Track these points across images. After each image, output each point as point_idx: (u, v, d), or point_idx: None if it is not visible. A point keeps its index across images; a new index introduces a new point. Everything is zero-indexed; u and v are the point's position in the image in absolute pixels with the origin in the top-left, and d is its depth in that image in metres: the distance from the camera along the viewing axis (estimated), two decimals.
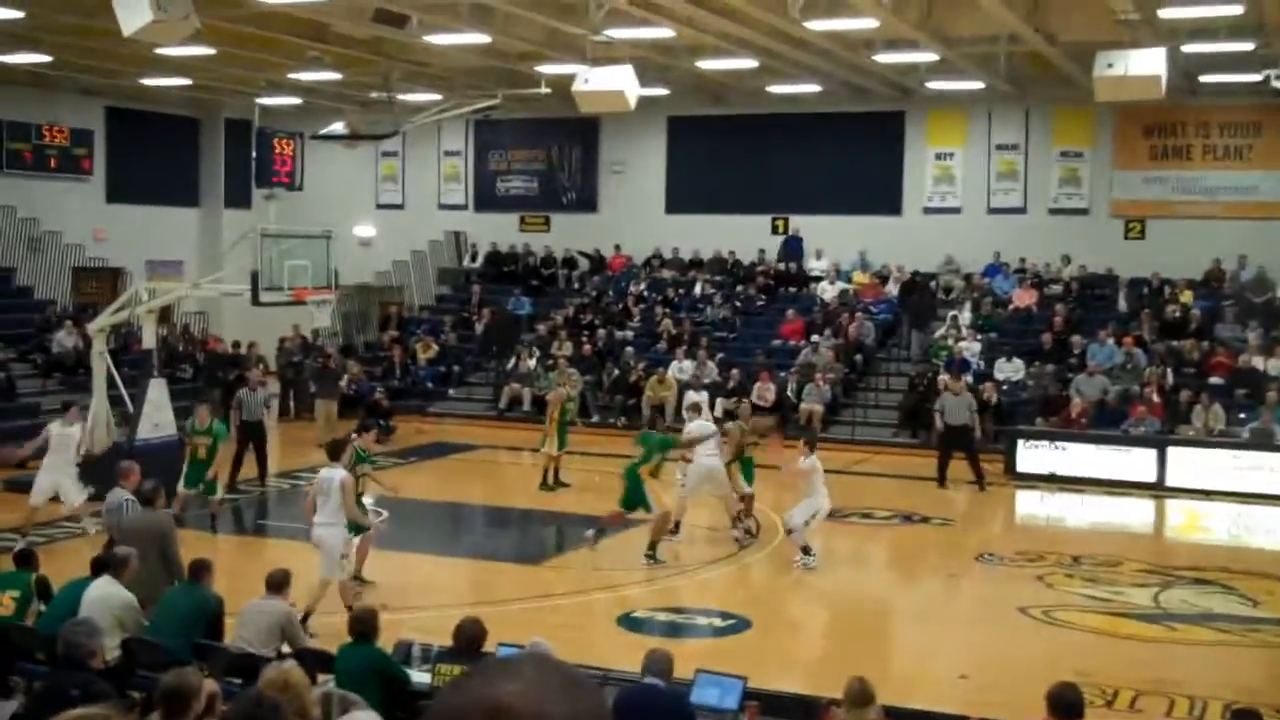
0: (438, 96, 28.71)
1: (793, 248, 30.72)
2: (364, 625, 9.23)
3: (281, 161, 26.98)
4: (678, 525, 17.02)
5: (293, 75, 27.83)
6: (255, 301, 19.93)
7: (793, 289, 30.12)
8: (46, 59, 25.75)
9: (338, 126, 28.06)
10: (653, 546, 15.99)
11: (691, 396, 22.86)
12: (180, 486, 17.01)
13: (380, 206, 35.07)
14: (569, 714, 1.76)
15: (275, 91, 29.66)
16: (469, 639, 8.98)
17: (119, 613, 9.63)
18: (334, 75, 27.64)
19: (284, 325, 28.47)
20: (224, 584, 11.42)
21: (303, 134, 27.68)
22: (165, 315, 25.82)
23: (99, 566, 10.09)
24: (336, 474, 13.26)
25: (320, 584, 12.94)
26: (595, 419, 27.05)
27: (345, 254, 29.75)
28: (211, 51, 24.15)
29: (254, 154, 23.83)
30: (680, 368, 27.21)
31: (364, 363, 29.34)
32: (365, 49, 25.38)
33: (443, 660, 9.12)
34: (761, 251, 30.96)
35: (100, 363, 20.57)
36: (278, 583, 10.24)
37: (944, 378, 23.83)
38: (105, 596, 9.67)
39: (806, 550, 15.76)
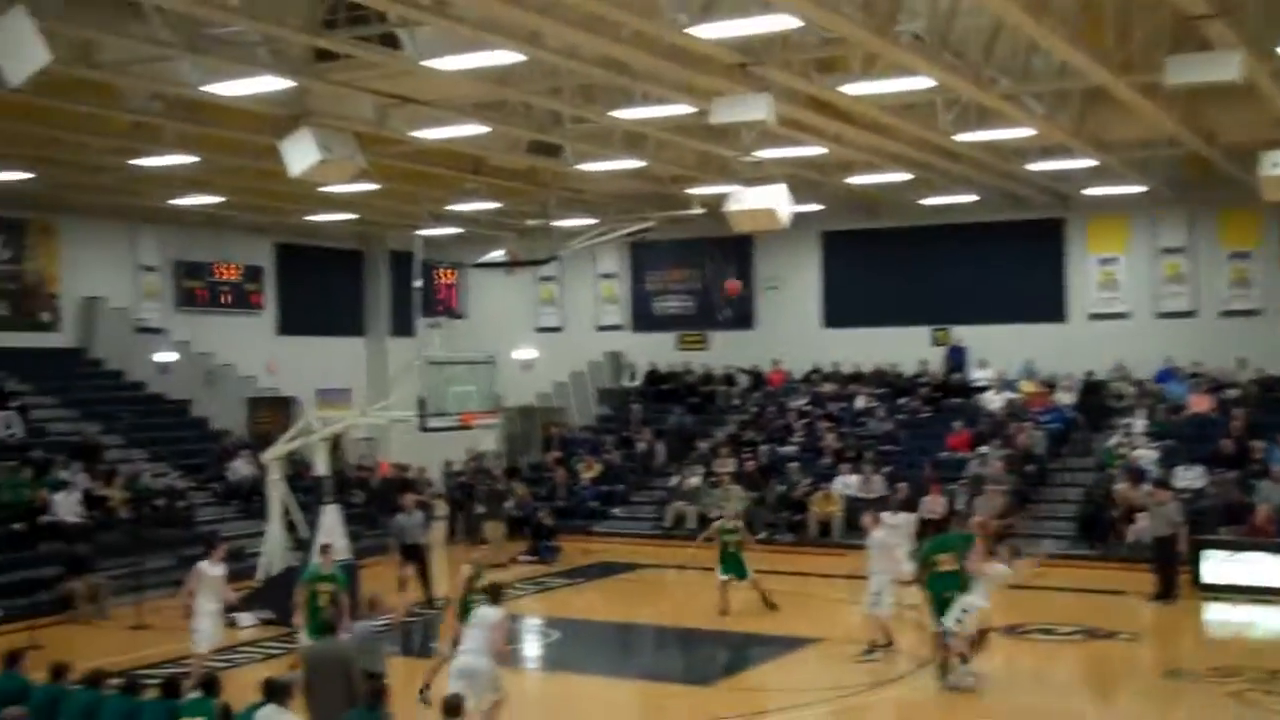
0: (593, 220, 29.19)
1: (956, 358, 30.31)
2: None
3: (444, 290, 27.73)
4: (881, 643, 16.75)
5: (452, 206, 28.56)
6: (423, 428, 20.24)
7: (957, 399, 29.63)
8: (219, 199, 26.84)
9: (497, 254, 28.65)
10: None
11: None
12: (305, 637, 15.64)
13: (540, 329, 35.56)
14: None
15: (436, 222, 30.46)
16: None
17: None
18: (492, 205, 28.30)
19: (449, 450, 28.88)
20: (402, 710, 11.45)
21: (463, 263, 28.41)
22: (335, 443, 26.37)
23: (270, 691, 10.14)
24: (493, 613, 13.12)
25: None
26: (762, 535, 26.75)
27: (507, 377, 30.20)
28: (374, 187, 24.91)
29: (418, 284, 24.38)
30: (845, 482, 26.86)
31: (528, 483, 29.56)
32: (521, 179, 26.00)
33: None
34: (923, 362, 30.60)
35: (275, 490, 21.09)
36: (453, 708, 10.23)
37: (1146, 487, 23.04)
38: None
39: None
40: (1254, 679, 15.37)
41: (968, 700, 15.07)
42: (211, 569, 16.17)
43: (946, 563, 15.11)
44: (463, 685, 12.31)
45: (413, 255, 22.86)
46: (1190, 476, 24.58)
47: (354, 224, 32.07)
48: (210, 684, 10.77)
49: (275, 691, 10.08)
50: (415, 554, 21.32)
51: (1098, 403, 28.16)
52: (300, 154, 17.47)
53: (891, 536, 18.08)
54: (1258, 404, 26.53)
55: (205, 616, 15.88)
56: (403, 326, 34.29)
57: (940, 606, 14.93)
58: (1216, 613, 20.59)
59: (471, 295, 33.37)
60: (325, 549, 16.77)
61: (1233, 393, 27.02)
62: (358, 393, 33.18)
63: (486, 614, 13.06)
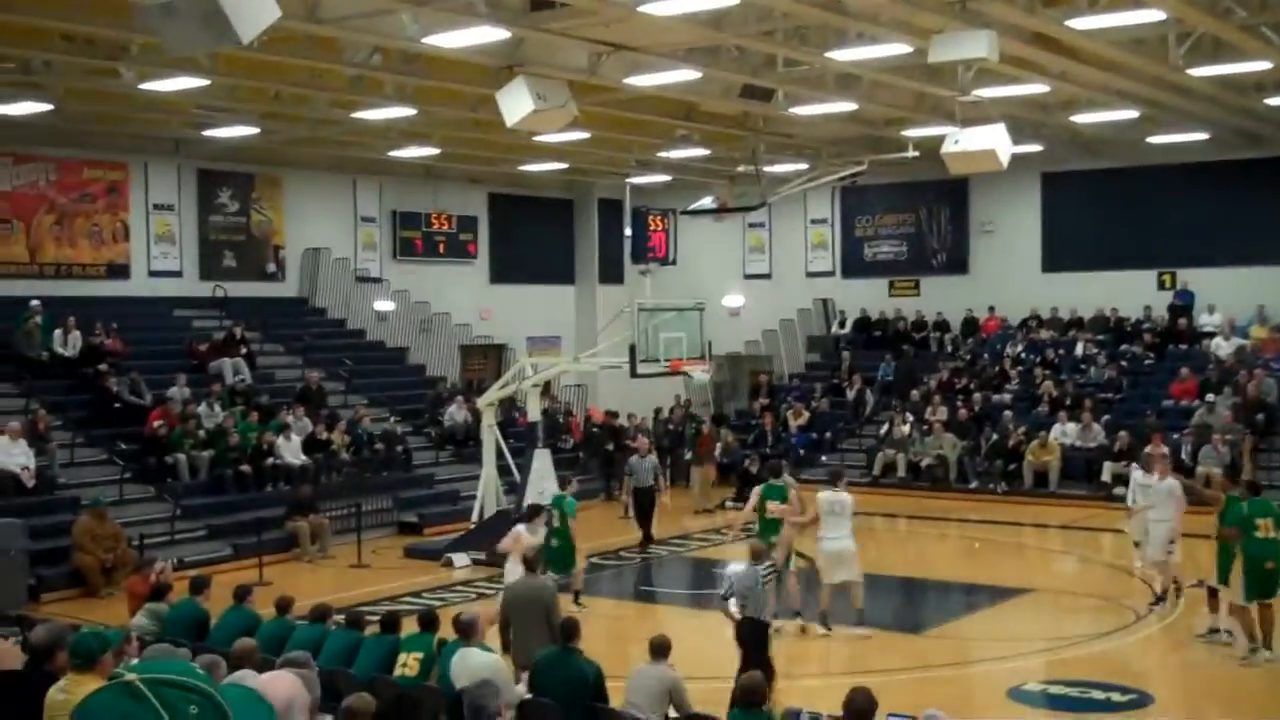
0: (803, 165, 28.86)
1: (1183, 301, 29.11)
2: (752, 694, 9.13)
3: (654, 237, 27.77)
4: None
5: (662, 153, 28.59)
6: (634, 374, 20.39)
7: (1183, 346, 28.50)
8: (435, 151, 27.40)
9: (706, 201, 28.57)
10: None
11: None
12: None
13: (748, 276, 35.44)
14: None
15: (645, 170, 30.55)
16: (859, 710, 8.71)
17: (479, 673, 9.79)
18: (702, 151, 28.22)
19: (658, 397, 29.05)
20: (606, 648, 11.59)
21: (673, 210, 28.42)
22: (547, 389, 26.81)
23: (458, 630, 10.34)
24: (844, 496, 15.28)
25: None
26: (974, 485, 26.31)
27: (715, 324, 30.16)
28: (585, 136, 25.07)
29: (628, 232, 24.52)
30: (1064, 430, 26.15)
31: (736, 431, 29.56)
32: (732, 124, 25.81)
33: None
34: (1147, 308, 29.49)
35: (489, 435, 21.56)
36: (661, 648, 10.28)
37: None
38: (463, 657, 9.90)
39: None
40: None
41: (1198, 652, 14.59)
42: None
43: (1266, 528, 13.89)
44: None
45: (622, 203, 22.98)
46: None
47: (565, 173, 32.39)
48: (430, 620, 11.04)
49: (461, 630, 10.29)
50: (646, 496, 21.82)
51: None
52: (515, 104, 17.66)
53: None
54: None
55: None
56: (612, 274, 34.70)
57: (1259, 578, 13.83)
58: None
59: (681, 242, 33.29)
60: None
61: None
62: (568, 340, 33.66)
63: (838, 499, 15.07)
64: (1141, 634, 15.67)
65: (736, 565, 12.85)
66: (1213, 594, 14.94)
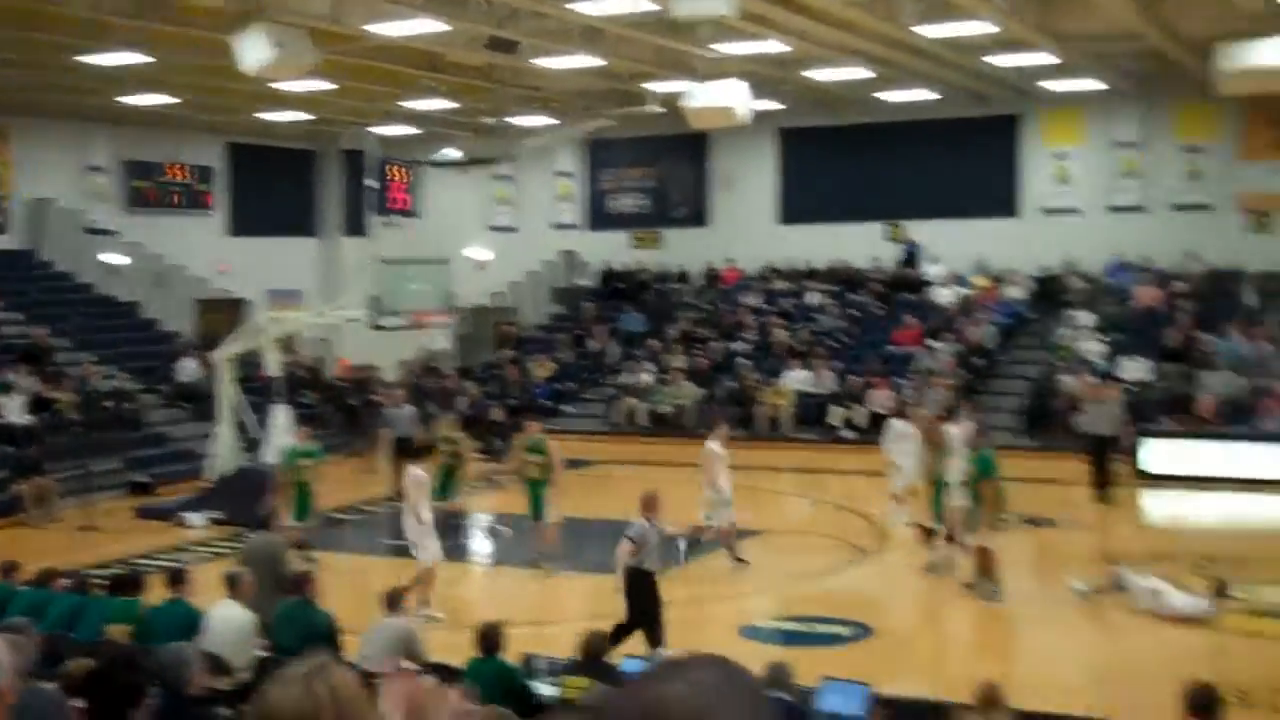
0: (549, 119, 28.96)
1: (910, 252, 30.42)
2: (491, 639, 9.31)
3: (398, 189, 27.54)
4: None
5: (407, 104, 28.28)
6: (375, 327, 20.27)
7: (909, 295, 29.83)
8: (170, 99, 26.47)
9: (452, 153, 28.44)
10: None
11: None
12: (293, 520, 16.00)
13: (494, 229, 35.41)
14: (733, 718, 1.72)
15: (390, 121, 30.18)
16: (594, 652, 9.01)
17: (241, 633, 9.80)
18: (448, 103, 28.03)
19: (403, 349, 28.90)
20: (348, 602, 11.61)
21: (418, 161, 28.20)
22: (287, 343, 26.33)
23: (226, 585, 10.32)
24: None
25: None
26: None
27: (461, 277, 30.15)
28: (328, 85, 24.62)
29: (371, 183, 24.24)
30: (795, 377, 27.10)
31: (481, 383, 29.63)
32: (478, 76, 25.71)
33: (568, 673, 9.14)
34: (876, 259, 30.72)
35: (227, 391, 21.10)
36: (394, 600, 10.38)
37: (1092, 380, 23.34)
38: (227, 618, 9.87)
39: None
40: (1190, 564, 15.71)
41: (918, 585, 15.42)
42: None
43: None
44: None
45: (366, 154, 22.70)
46: (1136, 368, 24.93)
47: (307, 123, 31.69)
48: (129, 584, 10.90)
49: (228, 585, 10.23)
50: (405, 447, 21.51)
51: (1047, 297, 28.41)
52: (253, 50, 17.28)
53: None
54: (1205, 297, 26.83)
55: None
56: (356, 226, 34.03)
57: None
58: (1157, 501, 21.01)
59: (425, 195, 33.09)
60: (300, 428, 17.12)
61: (1180, 286, 27.28)
62: (310, 293, 33.07)
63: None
64: (866, 570, 16.47)
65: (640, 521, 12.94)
66: (928, 532, 15.83)
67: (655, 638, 12.23)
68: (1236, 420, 22.68)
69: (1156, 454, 21.60)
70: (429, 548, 14.36)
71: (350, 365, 30.01)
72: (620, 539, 12.80)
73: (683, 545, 16.50)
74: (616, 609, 14.14)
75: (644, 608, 12.35)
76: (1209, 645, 12.68)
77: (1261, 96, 23.21)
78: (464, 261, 32.88)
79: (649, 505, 12.99)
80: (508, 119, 29.28)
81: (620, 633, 12.05)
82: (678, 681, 1.74)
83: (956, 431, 15.77)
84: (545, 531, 16.42)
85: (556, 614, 14.43)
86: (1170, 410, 23.27)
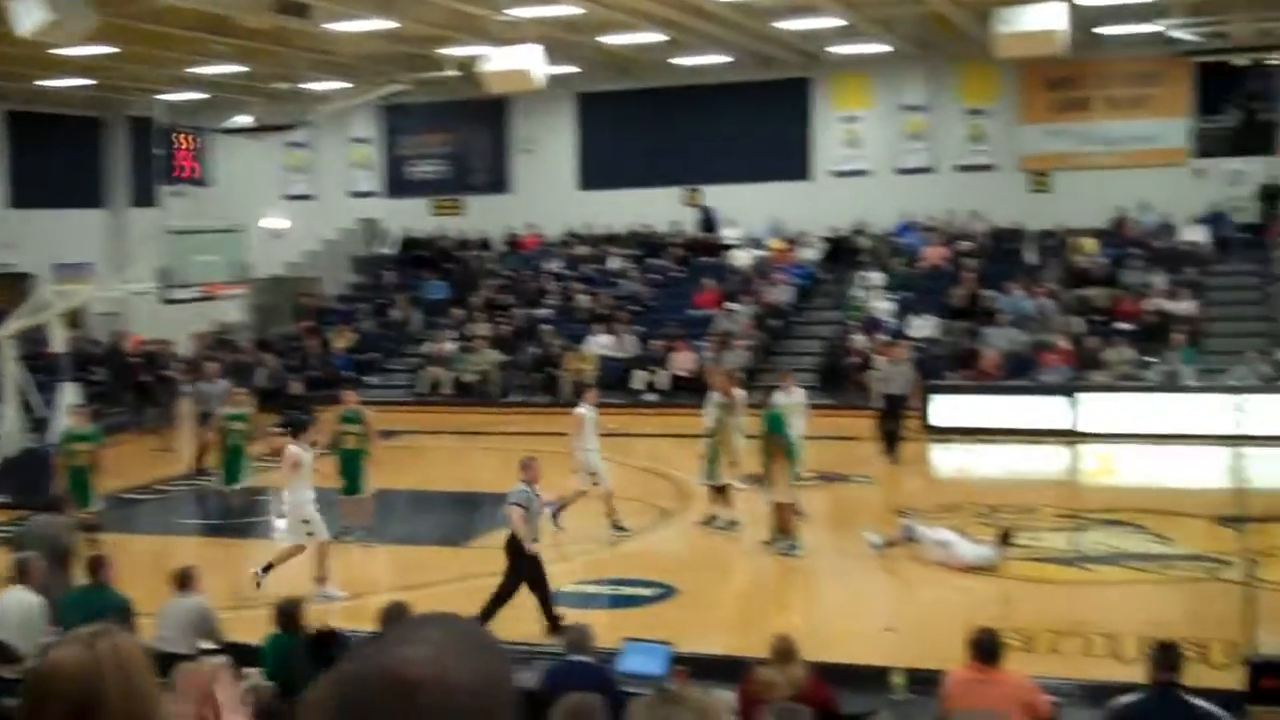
0: (344, 84, 28.52)
1: (707, 218, 30.87)
2: (289, 615, 9.27)
3: (187, 157, 26.78)
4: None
5: (195, 70, 27.56)
6: (166, 300, 19.78)
7: (708, 258, 30.29)
8: None
9: (243, 119, 27.81)
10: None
11: None
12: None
13: (290, 197, 34.71)
14: (472, 678, 1.72)
15: (178, 87, 29.34)
16: (393, 621, 9.02)
17: (30, 619, 9.58)
18: (238, 68, 27.37)
19: (197, 322, 28.20)
20: (143, 585, 11.39)
21: (208, 128, 27.46)
22: (75, 319, 25.50)
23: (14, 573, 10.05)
24: None
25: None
26: (517, 398, 27.12)
27: (256, 247, 29.51)
28: (111, 50, 23.85)
29: (158, 151, 23.57)
30: (599, 342, 27.32)
31: (280, 355, 29.12)
32: (268, 40, 25.16)
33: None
34: (675, 223, 31.09)
35: (8, 369, 20.33)
36: (186, 579, 10.25)
37: (881, 339, 24.06)
38: (20, 602, 9.63)
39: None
40: (975, 513, 16.41)
41: (720, 545, 15.79)
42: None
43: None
44: None
45: (154, 121, 22.05)
46: (924, 325, 25.81)
47: (91, 89, 30.59)
48: None
49: (16, 571, 9.98)
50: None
51: (840, 258, 29.18)
52: (28, 12, 16.64)
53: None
54: (989, 255, 27.89)
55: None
56: (144, 196, 33.03)
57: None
58: (944, 454, 21.83)
59: (217, 163, 32.29)
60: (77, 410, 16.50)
61: (966, 245, 28.29)
62: (98, 266, 32.02)
63: None
64: (668, 531, 16.79)
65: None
66: (719, 489, 16.24)
67: (546, 606, 12.24)
68: (1019, 374, 23.67)
69: (943, 408, 22.40)
70: (315, 524, 14.06)
71: (142, 340, 29.14)
72: (507, 506, 12.65)
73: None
74: (429, 579, 14.20)
75: (529, 577, 12.28)
76: (995, 592, 13.31)
77: (1038, 59, 24.20)
78: (259, 231, 32.20)
79: (528, 469, 12.94)
80: (301, 84, 28.71)
81: (497, 603, 12.05)
82: (415, 643, 1.73)
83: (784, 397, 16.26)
84: (362, 504, 16.28)
85: (367, 586, 14.38)
86: (956, 366, 24.17)
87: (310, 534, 14.09)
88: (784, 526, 15.11)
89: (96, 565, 10.11)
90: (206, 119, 29.53)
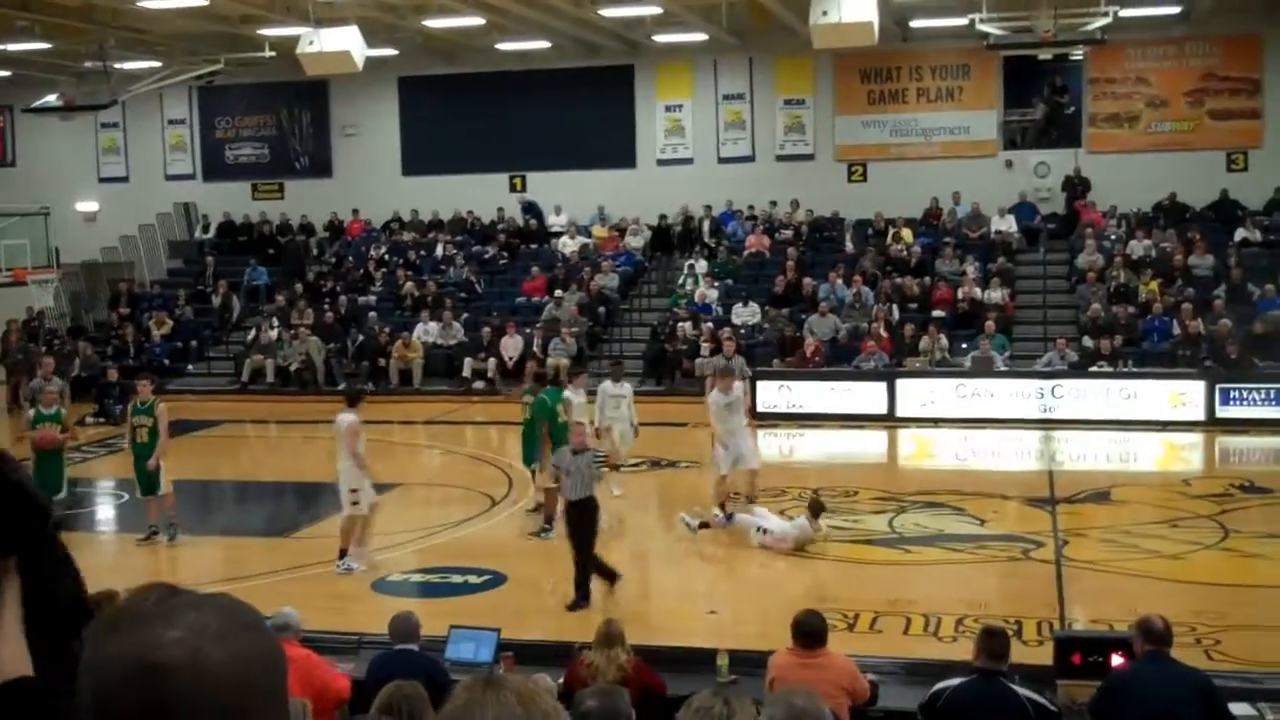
0: (157, 64, 27.77)
1: (530, 210, 30.88)
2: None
3: None
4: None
5: (0, 46, 26.50)
6: None
7: (534, 246, 30.30)
8: None
9: (51, 98, 26.89)
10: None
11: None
12: None
13: (103, 180, 33.71)
14: (229, 659, 1.59)
15: None
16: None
17: None
18: (44, 45, 26.42)
19: (9, 309, 27.16)
20: None
21: (12, 107, 26.53)
22: None
23: None
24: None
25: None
26: (341, 386, 26.76)
27: (68, 231, 28.65)
28: None
29: None
30: (426, 330, 27.15)
31: (95, 343, 28.27)
32: (76, 16, 24.37)
33: None
34: (500, 210, 31.01)
35: None
36: None
37: (707, 326, 24.35)
38: None
39: None
40: (798, 497, 16.74)
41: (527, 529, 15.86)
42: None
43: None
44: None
45: None
46: (747, 313, 26.23)
47: None
48: None
49: None
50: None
51: (665, 246, 29.49)
52: None
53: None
54: (809, 244, 28.45)
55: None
56: None
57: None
58: (767, 440, 22.21)
59: (23, 143, 31.25)
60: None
61: (786, 233, 28.82)
62: None
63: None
64: (496, 519, 16.80)
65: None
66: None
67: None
68: (838, 361, 24.22)
69: (766, 394, 22.80)
70: (364, 494, 14.15)
71: None
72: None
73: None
74: (251, 571, 13.98)
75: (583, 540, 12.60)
76: (815, 574, 13.64)
77: (853, 51, 24.79)
78: (71, 214, 31.24)
79: (575, 435, 13.40)
80: (111, 63, 27.83)
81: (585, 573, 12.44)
82: (169, 626, 1.60)
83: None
84: (164, 499, 15.80)
85: (189, 581, 14.08)
86: (780, 353, 24.62)
87: (356, 504, 14.16)
88: (549, 510, 15.35)
89: None
90: (12, 98, 28.53)
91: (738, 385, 16.67)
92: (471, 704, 1.88)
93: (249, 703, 1.62)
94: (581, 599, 12.40)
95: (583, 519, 12.73)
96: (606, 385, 18.07)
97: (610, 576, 12.76)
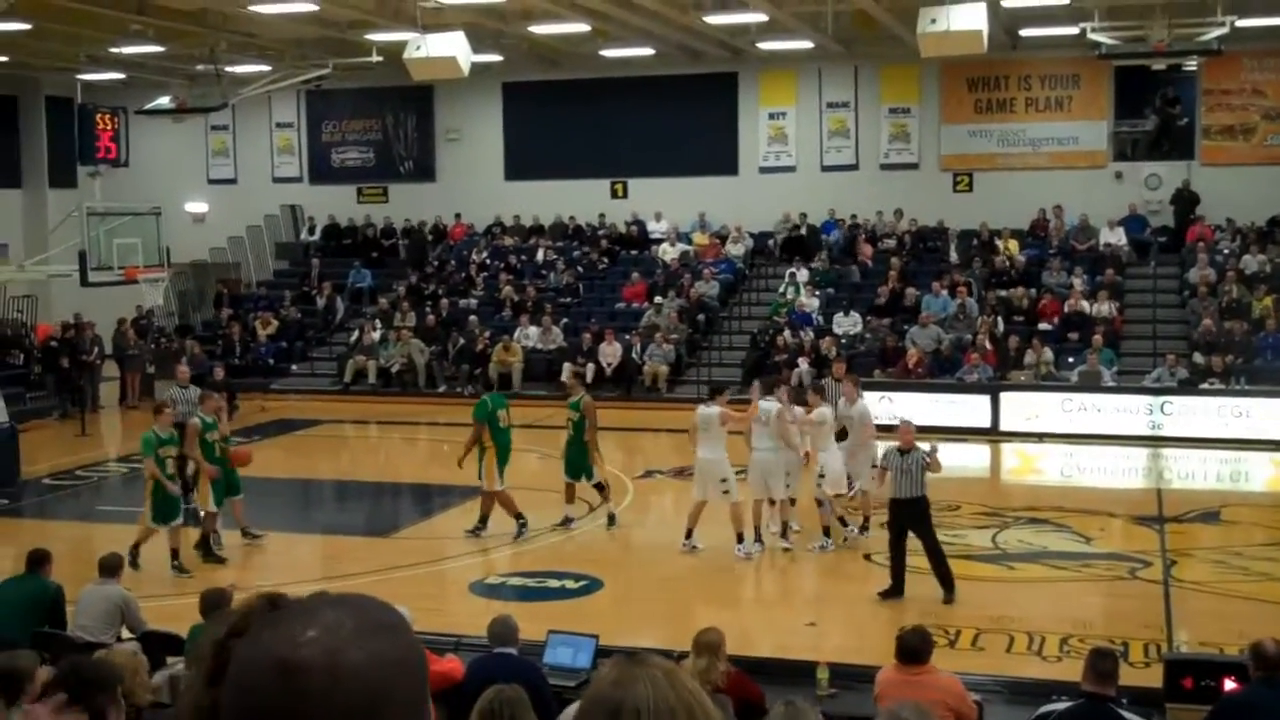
0: (266, 68, 28.19)
1: (635, 217, 30.88)
2: (213, 604, 9.15)
3: (105, 138, 26.37)
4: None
5: (115, 49, 27.09)
6: (85, 282, 19.46)
7: (634, 252, 30.30)
8: None
9: (164, 101, 27.39)
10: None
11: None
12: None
13: (212, 181, 34.30)
14: (364, 662, 1.59)
15: (97, 66, 28.85)
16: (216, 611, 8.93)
17: None
18: (157, 48, 26.96)
19: (119, 307, 27.72)
20: (69, 570, 11.23)
21: (127, 109, 27.05)
22: None
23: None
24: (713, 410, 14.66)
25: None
26: (442, 388, 26.97)
27: (178, 231, 29.12)
28: (27, 26, 23.39)
29: (76, 131, 23.16)
30: (526, 334, 27.24)
31: (202, 342, 28.75)
32: (189, 20, 24.81)
33: None
34: (602, 215, 31.06)
35: None
36: (110, 567, 10.11)
37: (807, 336, 24.18)
38: None
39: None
40: None
41: (646, 538, 15.80)
42: None
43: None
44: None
45: (72, 101, 21.65)
46: (848, 323, 25.99)
47: (7, 66, 29.95)
48: None
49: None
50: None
51: (766, 254, 29.33)
52: None
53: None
54: (912, 254, 28.13)
55: None
56: (63, 177, 32.45)
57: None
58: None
59: (137, 144, 31.84)
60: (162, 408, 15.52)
61: (889, 243, 28.52)
62: (15, 247, 31.38)
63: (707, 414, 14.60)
64: (594, 525, 16.76)
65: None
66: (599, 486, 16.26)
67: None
68: (941, 372, 23.91)
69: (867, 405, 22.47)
70: (730, 483, 14.70)
71: (51, 329, 28.58)
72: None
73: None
74: (349, 570, 14.07)
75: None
76: (915, 588, 13.42)
77: (960, 60, 24.46)
78: (181, 215, 31.81)
79: (904, 432, 13.32)
80: (223, 66, 28.30)
81: (938, 563, 12.86)
82: (307, 625, 1.61)
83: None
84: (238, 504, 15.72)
85: (290, 577, 14.25)
86: (880, 363, 24.36)
87: (726, 492, 14.64)
88: (486, 513, 15.58)
89: (38, 559, 9.97)
90: (126, 100, 29.09)
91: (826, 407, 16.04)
92: (622, 680, 1.86)
93: (385, 707, 1.60)
94: (948, 591, 12.78)
95: (916, 517, 12.87)
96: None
97: (949, 584, 12.88)
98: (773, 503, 15.02)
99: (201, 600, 9.26)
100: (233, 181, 34.23)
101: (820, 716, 5.10)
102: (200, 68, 28.56)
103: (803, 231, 29.15)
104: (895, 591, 12.88)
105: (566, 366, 24.52)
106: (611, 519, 16.27)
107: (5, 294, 28.66)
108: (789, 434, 14.72)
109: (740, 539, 14.76)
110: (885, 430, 15.72)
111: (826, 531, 14.99)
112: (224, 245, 33.37)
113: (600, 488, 16.32)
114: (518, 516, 15.65)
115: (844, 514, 15.29)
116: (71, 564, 12.08)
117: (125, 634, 9.73)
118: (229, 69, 28.27)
